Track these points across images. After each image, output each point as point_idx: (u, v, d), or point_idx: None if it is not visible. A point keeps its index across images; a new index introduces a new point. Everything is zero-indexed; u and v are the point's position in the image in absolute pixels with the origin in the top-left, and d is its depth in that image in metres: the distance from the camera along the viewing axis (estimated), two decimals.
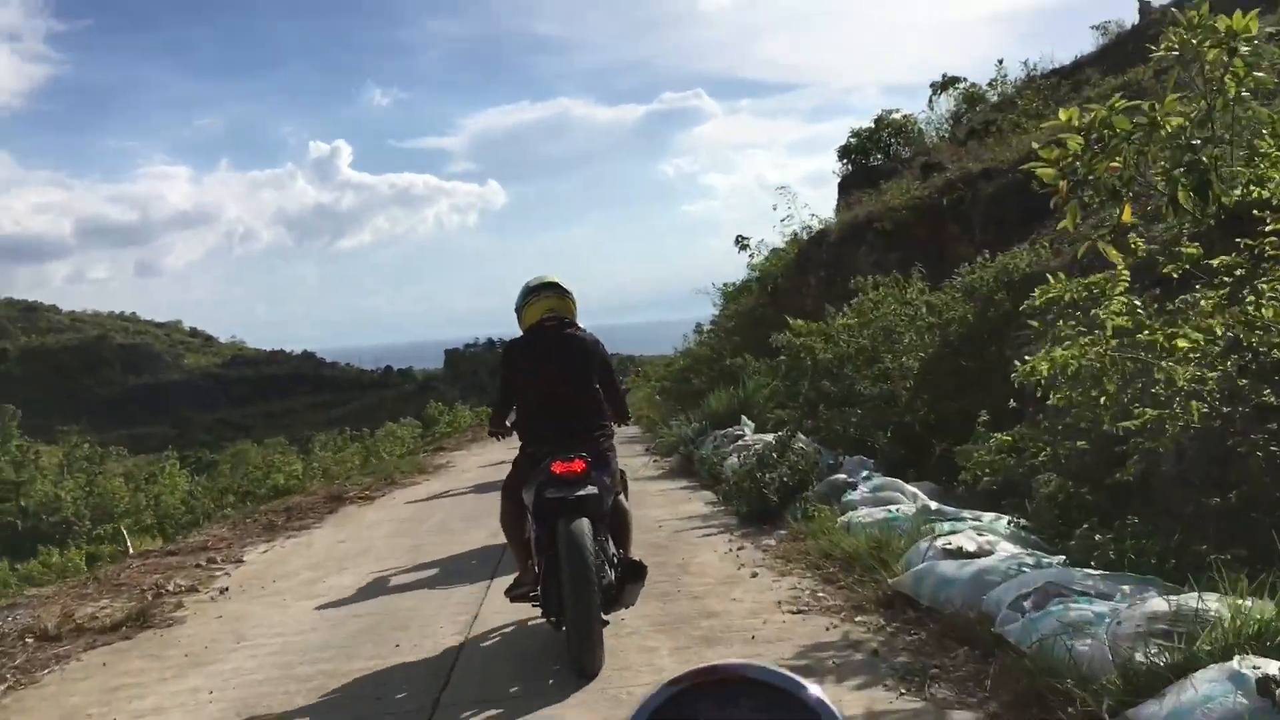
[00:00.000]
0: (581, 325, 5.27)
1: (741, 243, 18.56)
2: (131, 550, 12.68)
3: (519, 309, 5.20)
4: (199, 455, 72.47)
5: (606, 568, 4.61)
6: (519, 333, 5.21)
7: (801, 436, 8.38)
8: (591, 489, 4.54)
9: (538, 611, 4.90)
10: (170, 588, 7.42)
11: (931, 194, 12.31)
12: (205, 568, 8.30)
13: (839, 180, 19.78)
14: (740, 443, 10.15)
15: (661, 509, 9.01)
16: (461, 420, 48.86)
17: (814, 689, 1.00)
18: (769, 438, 9.29)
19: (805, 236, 16.17)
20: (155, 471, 65.00)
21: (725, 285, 25.23)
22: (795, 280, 15.78)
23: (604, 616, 4.56)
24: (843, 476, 7.49)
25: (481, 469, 14.89)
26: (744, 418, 11.00)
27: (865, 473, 7.44)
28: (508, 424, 5.40)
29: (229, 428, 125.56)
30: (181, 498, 60.59)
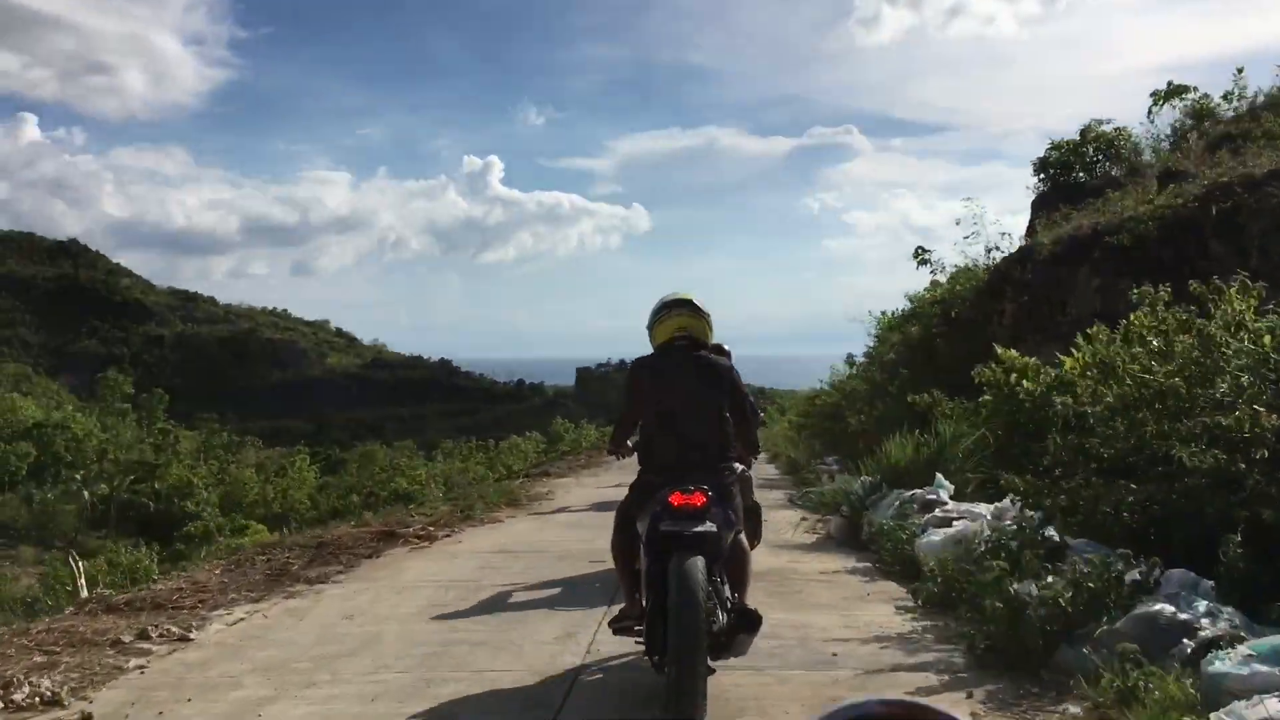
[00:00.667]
0: (725, 347, 5.27)
1: (921, 256, 15.77)
2: (83, 588, 10.61)
3: (650, 326, 4.98)
4: (329, 453, 73.17)
5: (719, 612, 4.29)
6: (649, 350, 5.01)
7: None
8: (710, 525, 4.25)
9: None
10: (16, 696, 4.56)
11: (1187, 203, 9.76)
12: (122, 649, 5.50)
13: (1034, 198, 17.23)
14: (938, 513, 7.42)
15: (829, 613, 6.19)
16: (586, 438, 47.59)
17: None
18: (981, 509, 7.07)
19: (996, 256, 13.76)
20: (286, 465, 65.88)
21: (884, 315, 22.84)
22: (982, 307, 13.36)
23: (711, 664, 4.23)
24: (1167, 609, 4.44)
25: (583, 511, 12.24)
26: (939, 477, 8.20)
27: (1203, 603, 4.49)
28: (629, 444, 5.08)
29: (363, 428, 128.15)
30: (308, 493, 61.22)
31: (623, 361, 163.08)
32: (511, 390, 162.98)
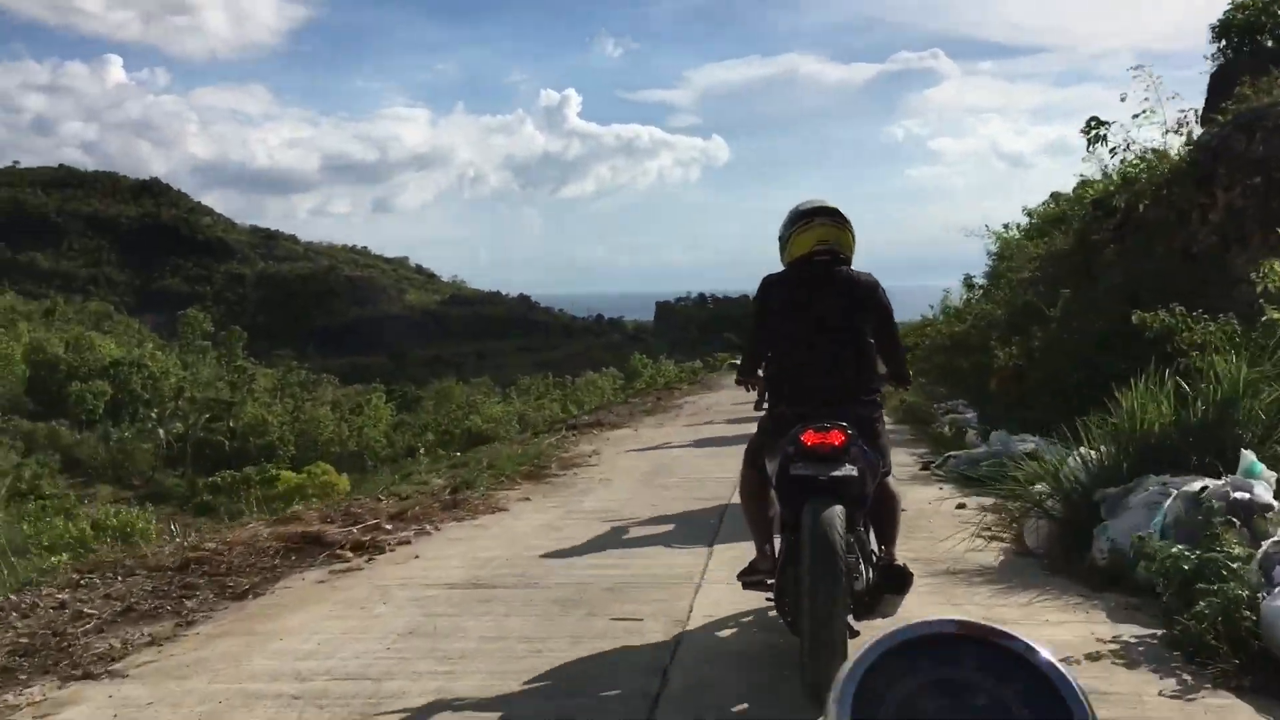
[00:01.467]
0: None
1: (1094, 128, 11.68)
2: None
3: (783, 238, 4.32)
4: (404, 390, 72.02)
5: (862, 566, 3.82)
6: (776, 268, 4.35)
7: None
8: (850, 469, 3.67)
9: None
10: None
11: None
12: None
13: (1213, 71, 13.85)
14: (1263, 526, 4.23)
15: None
16: (664, 374, 45.45)
17: (1046, 653, 1.03)
18: None
19: (1187, 133, 10.58)
20: (362, 403, 65.06)
21: (1010, 228, 19.56)
22: (1175, 201, 10.30)
23: (853, 625, 3.73)
24: None
25: (632, 485, 8.95)
26: (1250, 457, 4.66)
27: None
28: (759, 374, 4.44)
29: (441, 364, 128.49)
30: (384, 431, 60.15)
31: (702, 296, 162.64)
32: (590, 325, 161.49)
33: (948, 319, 17.69)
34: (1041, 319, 10.83)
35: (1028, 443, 7.96)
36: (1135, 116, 10.72)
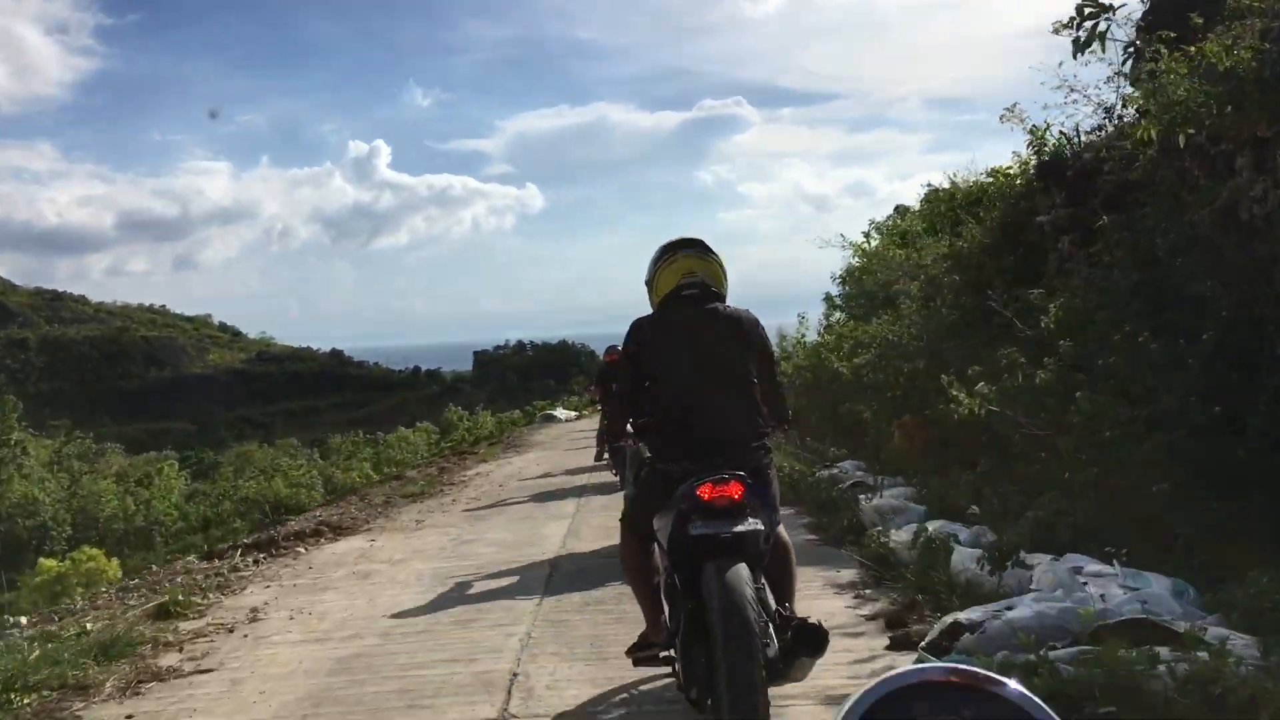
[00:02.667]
0: None
1: (1089, 17, 8.01)
2: None
3: (650, 279, 4.09)
4: (201, 455, 67.21)
5: (771, 629, 3.46)
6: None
7: None
8: (754, 523, 3.46)
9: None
10: None
11: None
12: None
13: (1134, 34, 10.75)
14: None
15: None
16: (482, 427, 43.72)
17: (1014, 684, 1.07)
18: None
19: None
20: (152, 472, 60.10)
21: (885, 222, 17.87)
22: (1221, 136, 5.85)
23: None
24: None
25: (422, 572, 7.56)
26: None
27: None
28: (630, 428, 4.16)
29: (249, 425, 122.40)
30: (176, 503, 55.56)
31: (520, 343, 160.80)
32: (407, 378, 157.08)
33: (813, 351, 13.98)
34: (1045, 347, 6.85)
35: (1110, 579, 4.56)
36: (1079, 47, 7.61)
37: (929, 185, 16.12)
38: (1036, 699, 1.03)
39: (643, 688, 4.33)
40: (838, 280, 17.89)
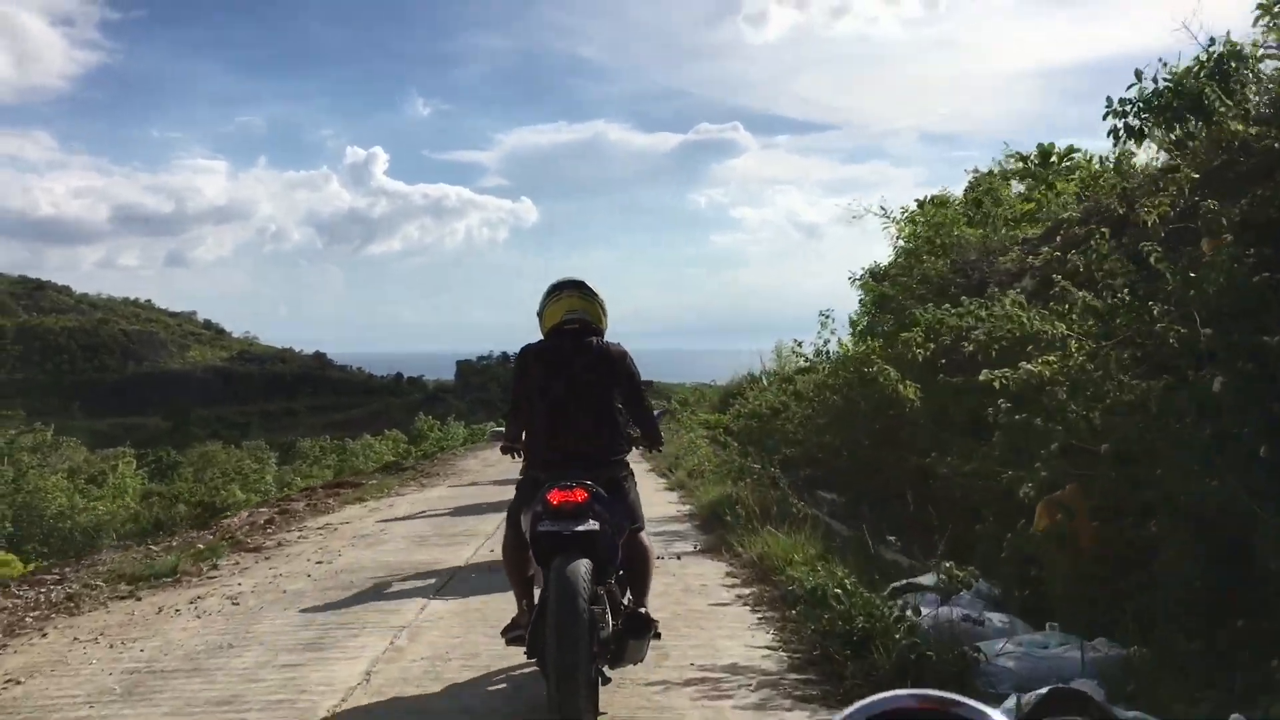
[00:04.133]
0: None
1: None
2: None
3: (540, 311, 4.72)
4: (160, 454, 64.41)
5: (609, 617, 4.12)
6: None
7: None
8: (593, 524, 4.05)
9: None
10: None
11: None
12: None
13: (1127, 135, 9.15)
14: None
15: None
16: (454, 438, 41.56)
17: (977, 704, 1.08)
18: None
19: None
20: (107, 469, 57.56)
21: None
22: None
23: (606, 673, 4.24)
24: None
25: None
26: None
27: None
28: (521, 438, 4.73)
29: (226, 425, 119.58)
30: (128, 502, 53.04)
31: (505, 354, 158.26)
32: (389, 384, 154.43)
33: (855, 359, 9.84)
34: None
35: None
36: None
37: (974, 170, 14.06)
38: (997, 716, 1.02)
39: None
40: (861, 280, 13.92)
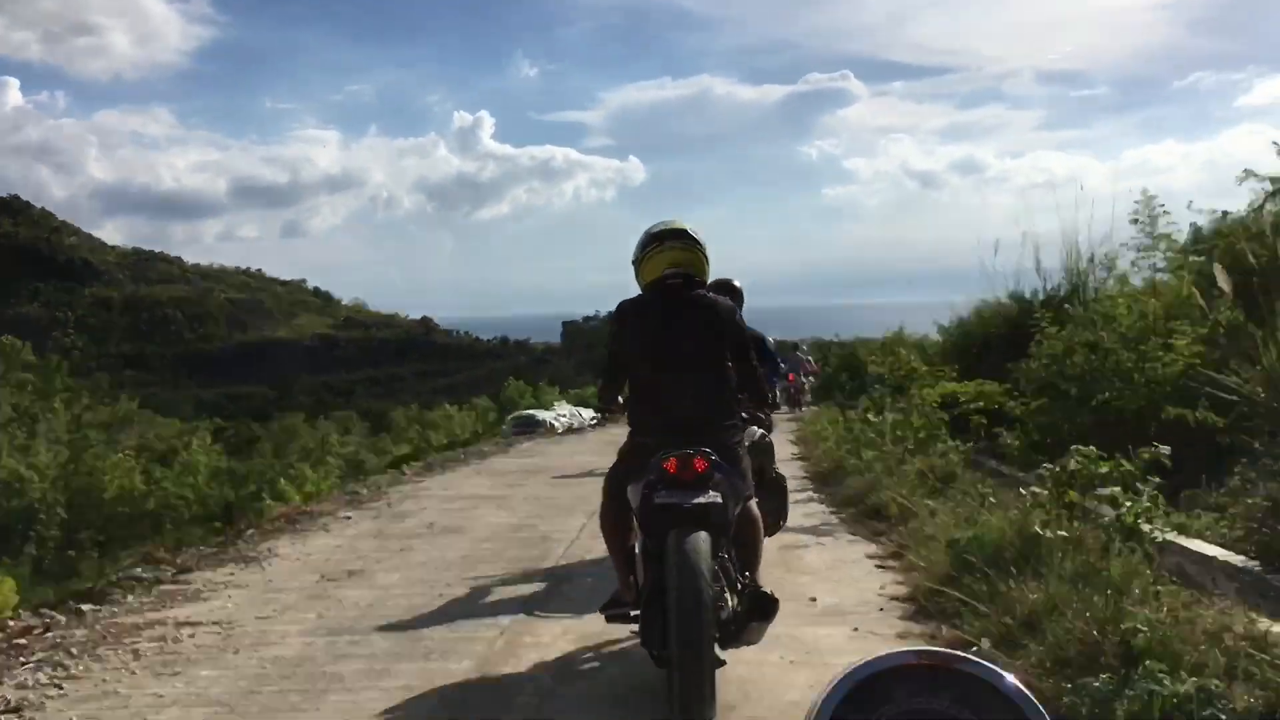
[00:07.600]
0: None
1: None
2: None
3: (636, 261, 4.32)
4: (239, 428, 59.72)
5: (727, 595, 3.80)
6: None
7: None
8: (714, 495, 3.71)
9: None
10: None
11: None
12: None
13: None
14: None
15: None
16: (546, 402, 35.11)
17: (1011, 679, 1.04)
18: None
19: None
20: (179, 445, 52.71)
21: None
22: None
23: (720, 655, 3.71)
24: None
25: None
26: None
27: None
28: (619, 400, 4.46)
29: (331, 392, 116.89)
30: (198, 483, 47.73)
31: (610, 314, 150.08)
32: (495, 347, 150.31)
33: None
34: None
35: None
36: None
37: None
38: (1001, 671, 1.01)
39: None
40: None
